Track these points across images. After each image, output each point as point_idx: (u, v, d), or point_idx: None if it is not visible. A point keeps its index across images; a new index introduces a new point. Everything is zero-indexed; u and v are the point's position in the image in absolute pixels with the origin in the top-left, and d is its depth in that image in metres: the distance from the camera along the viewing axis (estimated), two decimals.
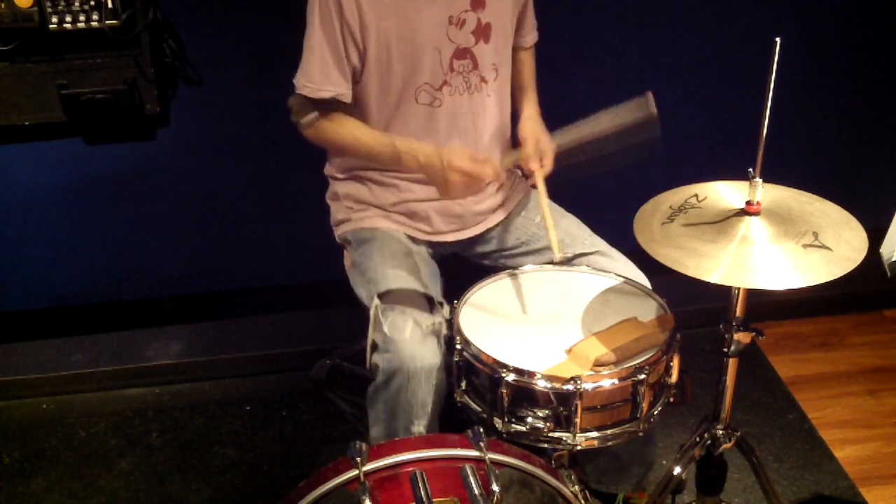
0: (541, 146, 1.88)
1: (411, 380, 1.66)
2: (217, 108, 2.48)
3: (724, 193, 1.65)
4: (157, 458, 2.36)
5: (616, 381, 1.54)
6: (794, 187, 1.66)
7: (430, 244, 2.00)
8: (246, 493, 2.24)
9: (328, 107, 1.83)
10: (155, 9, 2.22)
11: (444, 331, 1.67)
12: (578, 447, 1.56)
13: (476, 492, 1.25)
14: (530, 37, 2.04)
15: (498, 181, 1.92)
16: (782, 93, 1.49)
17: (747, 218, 1.54)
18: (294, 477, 2.24)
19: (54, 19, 2.14)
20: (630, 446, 1.88)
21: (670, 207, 1.63)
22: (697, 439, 1.78)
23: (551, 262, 1.90)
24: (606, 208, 1.99)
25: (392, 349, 1.67)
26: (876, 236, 1.60)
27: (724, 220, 1.56)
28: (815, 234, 1.52)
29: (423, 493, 1.25)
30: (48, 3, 2.12)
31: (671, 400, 1.67)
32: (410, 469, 1.30)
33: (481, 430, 1.38)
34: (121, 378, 2.65)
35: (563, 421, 1.55)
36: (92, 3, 2.14)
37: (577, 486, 1.44)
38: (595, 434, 1.57)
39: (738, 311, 1.63)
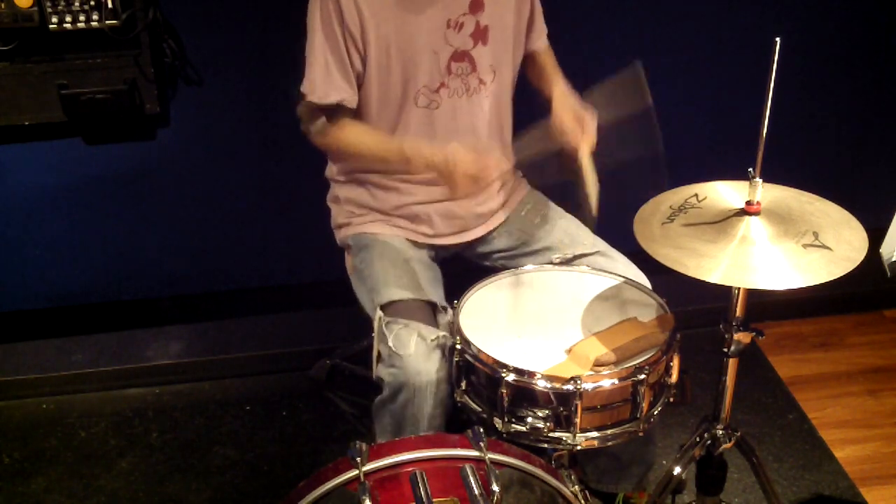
0: (579, 116, 1.81)
1: (417, 394, 1.67)
2: (217, 108, 2.48)
3: (724, 193, 1.65)
4: (157, 458, 2.36)
5: (616, 381, 1.54)
6: (794, 187, 1.66)
7: (431, 247, 2.00)
8: (246, 493, 2.24)
9: (335, 113, 1.83)
10: (155, 9, 2.22)
11: (449, 342, 1.67)
12: (578, 447, 1.56)
13: (476, 492, 1.25)
14: (541, 40, 2.04)
15: (501, 172, 1.85)
16: (782, 93, 1.49)
17: (747, 218, 1.54)
18: (294, 477, 2.24)
19: (54, 19, 2.13)
20: (630, 446, 1.88)
21: (670, 207, 1.63)
22: (697, 439, 1.78)
23: (551, 263, 1.91)
24: (606, 208, 1.99)
25: (397, 364, 1.67)
26: (876, 236, 1.60)
27: (724, 220, 1.56)
28: (815, 234, 1.52)
29: (423, 493, 1.25)
30: (48, 3, 2.11)
31: (671, 400, 1.67)
32: (410, 469, 1.30)
33: (481, 430, 1.38)
34: (121, 378, 2.65)
35: (563, 421, 1.55)
36: (92, 3, 2.13)
37: (577, 486, 1.44)
38: (595, 434, 1.57)
39: (738, 311, 1.63)
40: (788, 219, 1.56)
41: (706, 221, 1.57)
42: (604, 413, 1.57)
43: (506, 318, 1.73)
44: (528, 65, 2.05)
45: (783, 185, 1.66)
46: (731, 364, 1.69)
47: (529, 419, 1.55)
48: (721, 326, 1.66)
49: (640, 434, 1.61)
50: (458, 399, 1.67)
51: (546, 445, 1.57)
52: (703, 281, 1.44)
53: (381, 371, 1.73)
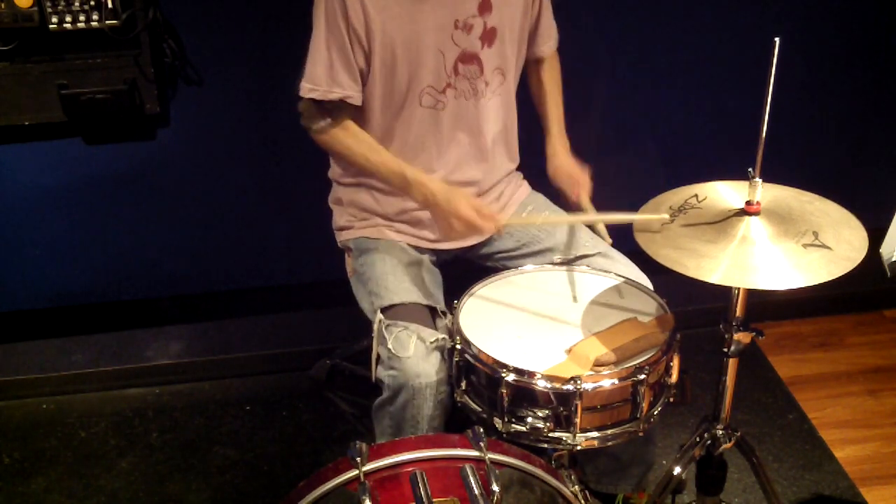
0: (574, 178, 1.94)
1: (416, 396, 1.67)
2: (217, 108, 2.48)
3: (723, 193, 1.65)
4: (157, 458, 2.36)
5: (616, 381, 1.54)
6: (794, 187, 1.66)
7: (433, 251, 2.00)
8: (246, 493, 2.24)
9: (338, 110, 1.82)
10: (155, 9, 2.22)
11: (448, 345, 1.67)
12: (578, 447, 1.56)
13: (476, 492, 1.25)
14: (547, 46, 2.03)
15: (499, 235, 1.92)
16: (782, 93, 1.49)
17: (747, 218, 1.54)
18: (294, 477, 2.24)
19: (54, 19, 2.13)
20: (630, 446, 1.88)
21: (670, 207, 1.63)
22: (697, 439, 1.78)
23: (551, 263, 1.91)
24: (606, 208, 1.99)
25: (397, 366, 1.67)
26: (876, 236, 1.59)
27: (724, 220, 1.55)
28: (816, 234, 1.52)
29: (423, 493, 1.25)
30: (48, 3, 2.12)
31: (671, 400, 1.67)
32: (410, 469, 1.30)
33: (481, 430, 1.38)
34: (121, 378, 2.65)
35: (563, 421, 1.55)
36: (92, 3, 2.14)
37: (577, 486, 1.44)
38: (595, 434, 1.57)
39: (738, 311, 1.63)
40: (788, 219, 1.55)
41: (706, 222, 1.57)
42: (604, 413, 1.56)
43: (506, 318, 1.73)
44: (529, 72, 2.05)
45: (783, 184, 1.66)
46: (731, 364, 1.69)
47: (529, 419, 1.55)
48: (721, 326, 1.66)
49: (640, 434, 1.61)
50: (458, 399, 1.67)
51: (546, 445, 1.57)
52: (703, 281, 1.44)
53: (380, 373, 1.73)
